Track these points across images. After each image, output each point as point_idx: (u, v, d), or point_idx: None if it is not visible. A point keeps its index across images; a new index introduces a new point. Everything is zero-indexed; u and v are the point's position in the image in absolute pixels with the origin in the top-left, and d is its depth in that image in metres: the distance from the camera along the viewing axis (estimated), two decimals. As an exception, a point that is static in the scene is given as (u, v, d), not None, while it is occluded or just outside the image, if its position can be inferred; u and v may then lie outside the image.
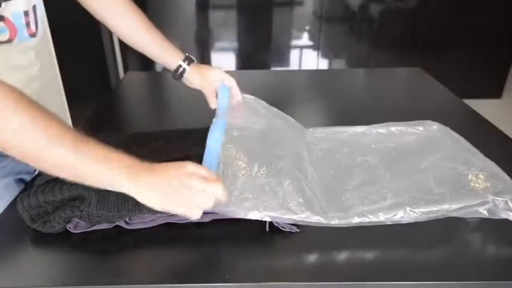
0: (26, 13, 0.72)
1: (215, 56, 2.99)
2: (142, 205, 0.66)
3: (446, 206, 0.69)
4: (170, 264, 0.64)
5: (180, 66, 0.92)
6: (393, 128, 0.96)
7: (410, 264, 0.63)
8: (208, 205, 0.59)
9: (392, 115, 1.01)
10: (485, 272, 0.62)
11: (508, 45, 2.91)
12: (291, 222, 0.67)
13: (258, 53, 3.02)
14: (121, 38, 0.93)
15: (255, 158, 0.75)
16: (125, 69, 2.71)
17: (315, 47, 2.98)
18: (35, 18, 0.76)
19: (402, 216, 0.68)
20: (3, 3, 0.66)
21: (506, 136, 0.98)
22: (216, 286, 0.60)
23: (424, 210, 0.69)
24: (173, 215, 0.68)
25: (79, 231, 0.67)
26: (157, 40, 0.92)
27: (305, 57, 3.06)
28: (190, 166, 0.60)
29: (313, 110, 1.20)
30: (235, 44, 2.99)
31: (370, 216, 0.68)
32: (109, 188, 0.59)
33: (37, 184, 0.71)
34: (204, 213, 0.69)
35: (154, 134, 0.89)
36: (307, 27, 2.98)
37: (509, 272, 0.61)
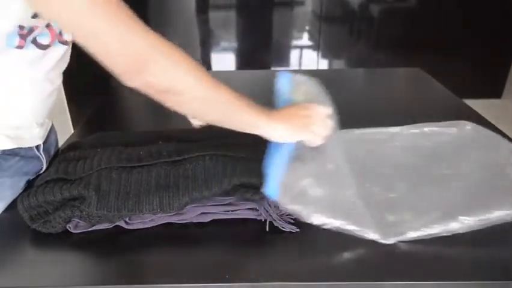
0: None
1: (215, 56, 2.98)
2: (142, 205, 0.66)
3: (497, 213, 0.67)
4: (170, 264, 0.64)
5: None
6: (426, 129, 0.94)
7: (414, 262, 0.63)
8: (325, 133, 0.72)
9: (392, 115, 1.01)
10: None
11: (508, 45, 2.91)
12: (350, 233, 0.66)
13: (258, 53, 3.02)
14: None
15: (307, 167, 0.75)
16: (125, 69, 2.71)
17: (315, 47, 2.98)
18: None
19: (458, 227, 0.66)
20: None
21: (506, 136, 0.98)
22: (216, 286, 0.60)
23: (477, 218, 0.66)
24: (173, 215, 0.68)
25: (79, 231, 0.67)
26: None
27: (305, 57, 3.06)
28: (307, 104, 0.74)
29: (313, 110, 1.20)
30: (235, 44, 2.99)
31: (425, 230, 0.66)
32: (248, 129, 0.70)
33: (37, 184, 0.71)
34: (204, 213, 0.69)
35: (153, 134, 0.88)
36: (307, 27, 2.97)
37: None
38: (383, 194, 0.76)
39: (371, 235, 0.65)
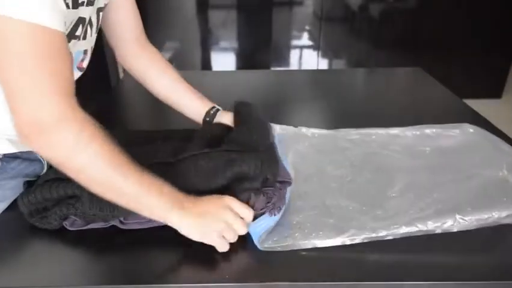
0: (85, 52, 0.77)
1: (215, 56, 2.98)
2: None
3: (496, 213, 0.67)
4: (169, 264, 0.64)
5: (214, 107, 0.93)
6: (428, 131, 0.94)
7: (414, 263, 0.63)
8: (232, 240, 0.65)
9: (392, 115, 1.02)
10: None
11: (508, 45, 2.91)
12: (339, 244, 0.65)
13: (258, 53, 3.02)
14: (154, 91, 0.96)
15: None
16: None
17: (315, 47, 2.98)
18: (89, 56, 0.80)
19: (452, 225, 0.66)
20: (73, 40, 0.69)
21: (506, 136, 0.98)
22: (216, 286, 0.60)
23: (474, 217, 0.67)
24: None
25: (74, 229, 0.68)
26: (190, 90, 0.94)
27: (305, 57, 3.06)
28: (227, 200, 0.66)
29: (313, 110, 1.20)
30: (235, 44, 2.99)
31: (419, 225, 0.66)
32: (157, 219, 0.64)
33: (38, 183, 0.72)
34: None
35: (153, 133, 0.89)
36: (307, 27, 2.98)
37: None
38: (381, 193, 0.76)
39: (362, 236, 0.65)
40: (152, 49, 0.96)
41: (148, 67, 0.95)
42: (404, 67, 1.61)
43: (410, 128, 0.95)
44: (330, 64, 3.08)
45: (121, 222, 0.68)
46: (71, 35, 0.68)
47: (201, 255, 0.65)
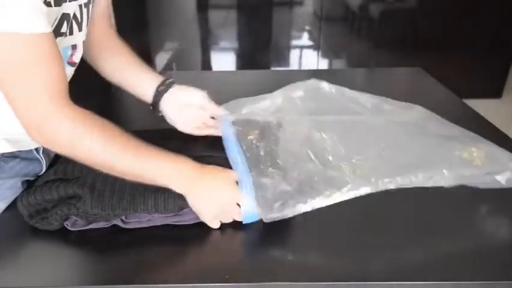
0: (73, 47, 0.76)
1: (215, 56, 2.99)
2: (137, 204, 0.67)
3: (476, 171, 0.74)
4: (169, 264, 0.64)
5: (165, 80, 0.90)
6: (385, 106, 1.01)
7: (414, 263, 0.63)
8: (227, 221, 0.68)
9: (392, 115, 1.01)
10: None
11: (508, 45, 2.91)
12: (340, 200, 0.67)
13: (258, 53, 3.02)
14: (108, 77, 0.94)
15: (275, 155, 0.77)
16: (125, 69, 2.71)
17: (315, 47, 2.98)
18: (82, 51, 0.79)
19: (440, 178, 0.72)
20: (59, 38, 0.69)
21: (506, 136, 0.98)
22: (216, 286, 0.60)
23: (459, 172, 0.73)
24: (170, 217, 0.68)
25: (76, 229, 0.68)
26: (139, 72, 0.91)
27: (305, 57, 3.06)
28: (235, 193, 0.68)
29: (313, 110, 1.20)
30: (235, 44, 2.99)
31: (412, 178, 0.71)
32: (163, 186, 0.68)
33: (37, 184, 0.72)
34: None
35: (152, 133, 0.88)
36: (307, 27, 2.98)
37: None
38: (363, 154, 0.78)
39: (364, 189, 0.68)
40: (114, 34, 0.91)
41: (99, 53, 0.90)
42: (404, 67, 1.60)
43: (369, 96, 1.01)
44: (330, 64, 3.08)
45: (122, 221, 0.68)
46: (56, 33, 0.67)
47: (201, 255, 0.65)
